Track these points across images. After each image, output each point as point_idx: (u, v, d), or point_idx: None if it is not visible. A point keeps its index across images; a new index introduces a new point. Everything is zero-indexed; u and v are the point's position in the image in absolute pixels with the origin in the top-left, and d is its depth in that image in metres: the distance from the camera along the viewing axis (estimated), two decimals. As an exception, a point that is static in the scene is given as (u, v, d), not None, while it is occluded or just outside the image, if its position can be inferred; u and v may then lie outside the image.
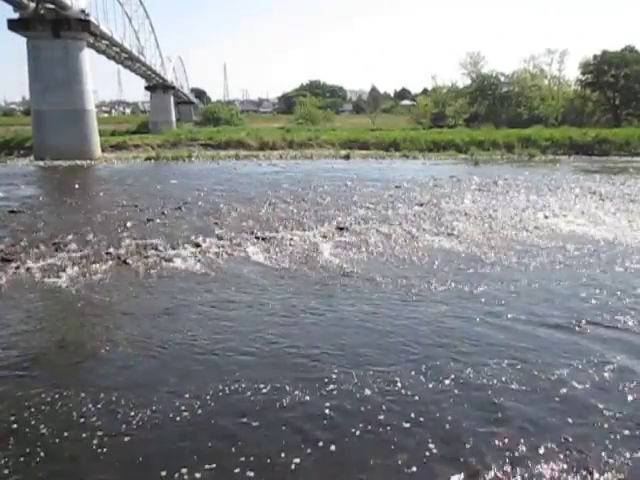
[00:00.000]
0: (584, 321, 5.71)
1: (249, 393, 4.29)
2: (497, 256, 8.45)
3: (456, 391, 4.31)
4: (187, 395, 4.26)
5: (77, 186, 17.49)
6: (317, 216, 11.81)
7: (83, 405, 4.11)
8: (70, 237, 9.58)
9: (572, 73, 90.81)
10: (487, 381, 4.46)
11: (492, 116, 47.86)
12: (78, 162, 25.57)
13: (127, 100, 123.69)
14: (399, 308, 6.23)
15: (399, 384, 4.40)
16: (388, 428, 3.80)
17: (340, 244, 9.31)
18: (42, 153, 26.41)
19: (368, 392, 4.29)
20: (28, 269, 7.69)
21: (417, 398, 4.20)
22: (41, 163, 25.67)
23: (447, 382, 4.44)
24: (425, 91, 70.70)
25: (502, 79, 53.20)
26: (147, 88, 57.56)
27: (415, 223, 11.08)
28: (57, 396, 4.25)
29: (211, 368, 4.77)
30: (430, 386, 4.38)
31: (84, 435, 3.73)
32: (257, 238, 9.65)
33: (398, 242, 9.46)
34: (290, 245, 9.23)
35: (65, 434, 3.74)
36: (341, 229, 10.46)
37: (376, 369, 4.66)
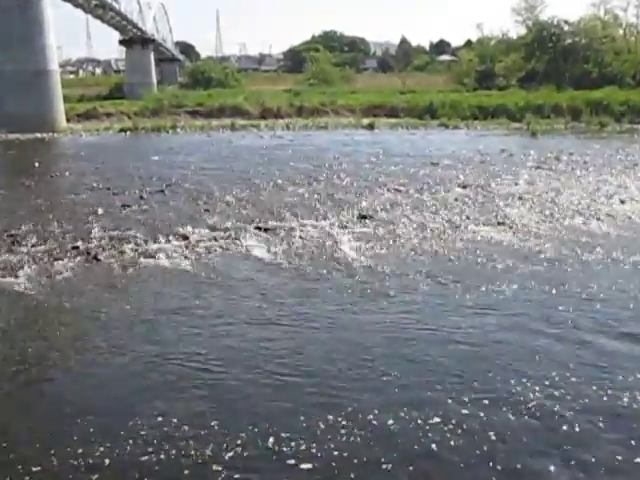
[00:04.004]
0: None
1: (245, 420, 4.28)
2: (560, 252, 8.37)
3: (510, 417, 4.28)
4: (170, 418, 4.27)
5: (37, 164, 17.60)
6: (333, 201, 11.78)
7: (46, 430, 4.14)
8: (29, 228, 9.65)
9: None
10: (551, 408, 4.42)
11: (553, 75, 47.26)
12: (38, 135, 25.73)
13: (98, 58, 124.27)
14: (435, 317, 6.20)
15: (434, 409, 4.38)
16: (417, 452, 3.79)
17: (362, 236, 9.28)
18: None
19: (393, 419, 4.27)
20: (-22, 267, 7.77)
21: (459, 424, 4.17)
22: (-7, 137, 25.90)
23: (502, 409, 4.40)
24: (469, 43, 70.06)
25: (566, 28, 52.38)
26: (121, 42, 57.67)
27: (457, 210, 11.00)
28: (15, 419, 4.29)
29: (199, 387, 4.79)
30: (475, 411, 4.35)
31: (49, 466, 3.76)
32: (258, 229, 9.66)
33: (435, 234, 9.39)
34: (300, 237, 9.22)
35: (26, 465, 3.78)
36: (364, 217, 10.42)
37: (407, 393, 4.65)
